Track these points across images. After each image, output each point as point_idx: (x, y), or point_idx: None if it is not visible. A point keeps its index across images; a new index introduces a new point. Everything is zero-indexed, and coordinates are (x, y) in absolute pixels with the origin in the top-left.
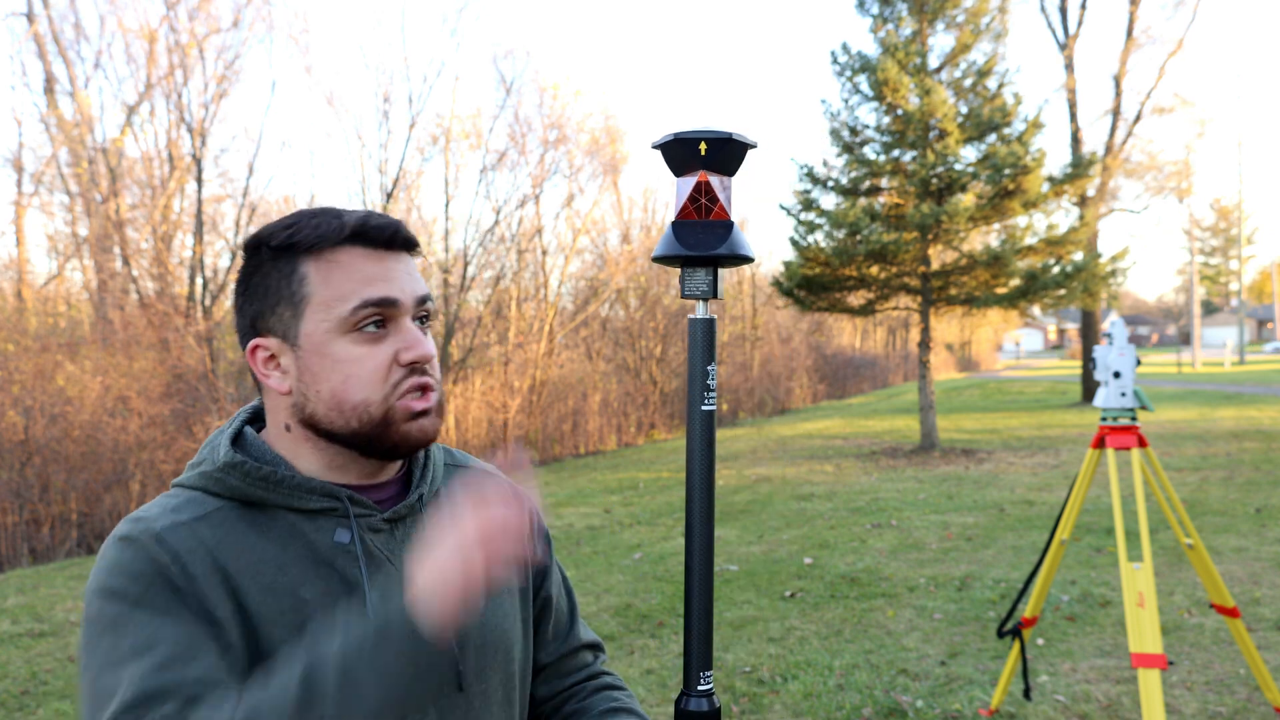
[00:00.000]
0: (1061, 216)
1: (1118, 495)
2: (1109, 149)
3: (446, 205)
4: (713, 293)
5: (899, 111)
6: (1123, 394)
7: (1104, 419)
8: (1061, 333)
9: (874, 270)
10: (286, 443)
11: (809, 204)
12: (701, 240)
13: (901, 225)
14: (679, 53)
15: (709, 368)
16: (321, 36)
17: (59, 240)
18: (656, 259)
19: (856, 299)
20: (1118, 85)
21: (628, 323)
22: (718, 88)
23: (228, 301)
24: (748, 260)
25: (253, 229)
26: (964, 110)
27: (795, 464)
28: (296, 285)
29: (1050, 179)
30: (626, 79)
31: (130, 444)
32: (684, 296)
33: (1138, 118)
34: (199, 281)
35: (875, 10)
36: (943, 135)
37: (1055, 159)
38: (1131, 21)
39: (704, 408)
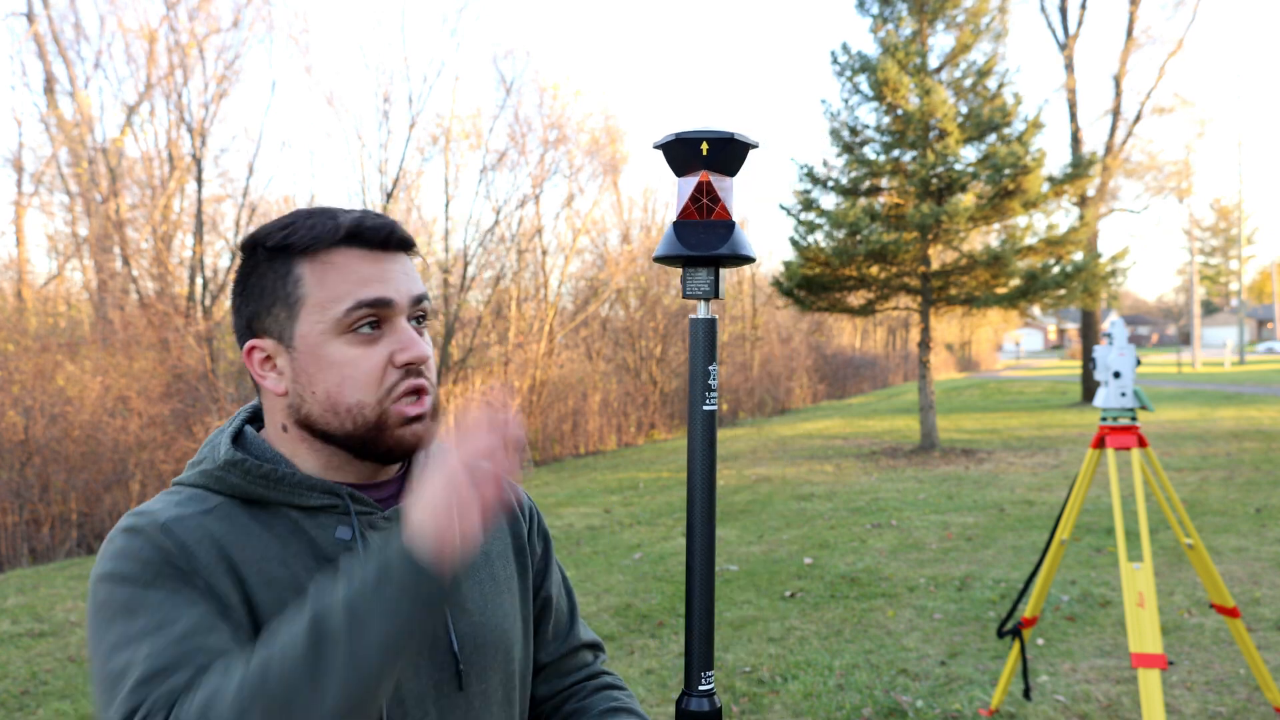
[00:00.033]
0: (1061, 216)
1: (1118, 495)
2: (1109, 149)
3: (446, 205)
4: (714, 293)
5: (899, 111)
6: (1123, 394)
7: (1104, 419)
8: (1061, 333)
9: (874, 270)
10: (285, 443)
11: (809, 204)
12: (703, 240)
13: (901, 225)
14: (679, 53)
15: (710, 367)
16: (321, 36)
17: (59, 240)
18: (658, 259)
19: (856, 299)
20: (1118, 85)
21: (628, 323)
22: (718, 88)
23: (228, 301)
24: (749, 260)
25: (252, 229)
26: (964, 110)
27: (795, 464)
28: (291, 287)
29: (1050, 179)
30: (626, 79)
31: (130, 444)
32: (686, 296)
33: (1138, 118)
34: (199, 281)
35: (875, 10)
36: (943, 135)
37: (1055, 159)
38: (1131, 21)
39: (705, 408)
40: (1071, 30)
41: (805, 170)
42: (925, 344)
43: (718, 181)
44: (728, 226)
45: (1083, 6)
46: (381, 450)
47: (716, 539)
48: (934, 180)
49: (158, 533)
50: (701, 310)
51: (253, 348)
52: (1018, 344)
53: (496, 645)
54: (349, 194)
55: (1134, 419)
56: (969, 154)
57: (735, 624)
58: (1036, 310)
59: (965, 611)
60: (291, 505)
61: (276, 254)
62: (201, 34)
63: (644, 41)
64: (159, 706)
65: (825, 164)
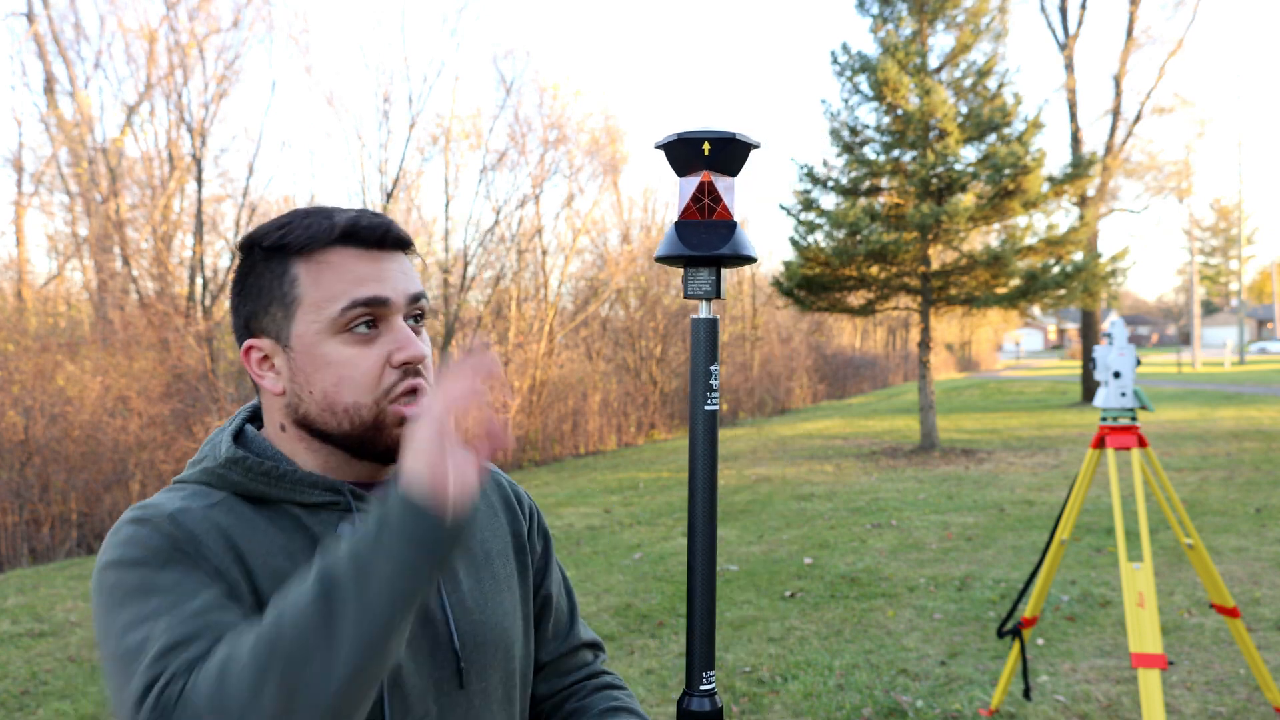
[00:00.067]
0: (1061, 216)
1: (1118, 495)
2: (1109, 149)
3: (446, 205)
4: (716, 293)
5: (899, 111)
6: (1123, 394)
7: (1104, 419)
8: (1061, 333)
9: (874, 270)
10: (284, 442)
11: (809, 204)
12: (704, 240)
13: (901, 225)
14: (679, 53)
15: (712, 367)
16: (321, 36)
17: (59, 240)
18: (659, 259)
19: (856, 299)
20: (1118, 85)
21: (628, 323)
22: (718, 87)
23: (227, 302)
24: (751, 260)
25: (251, 229)
26: (964, 110)
27: (795, 464)
28: (288, 286)
29: (1050, 179)
30: (626, 79)
31: (130, 444)
32: (687, 297)
33: (1138, 118)
34: (199, 281)
35: (875, 10)
36: (943, 135)
37: (1055, 159)
38: (1131, 21)
39: (707, 408)
40: (1071, 30)
41: (805, 170)
42: (925, 344)
43: (719, 182)
44: (729, 226)
45: (1083, 6)
46: (379, 450)
47: (717, 539)
48: (934, 180)
49: (165, 522)
50: (703, 310)
51: (250, 347)
52: (1018, 344)
53: (497, 643)
54: (349, 194)
55: (1134, 419)
56: (969, 154)
57: (735, 624)
58: (1036, 310)
59: (965, 611)
60: (293, 502)
61: (273, 254)
62: (201, 34)
63: (644, 41)
64: (180, 674)
65: (825, 164)
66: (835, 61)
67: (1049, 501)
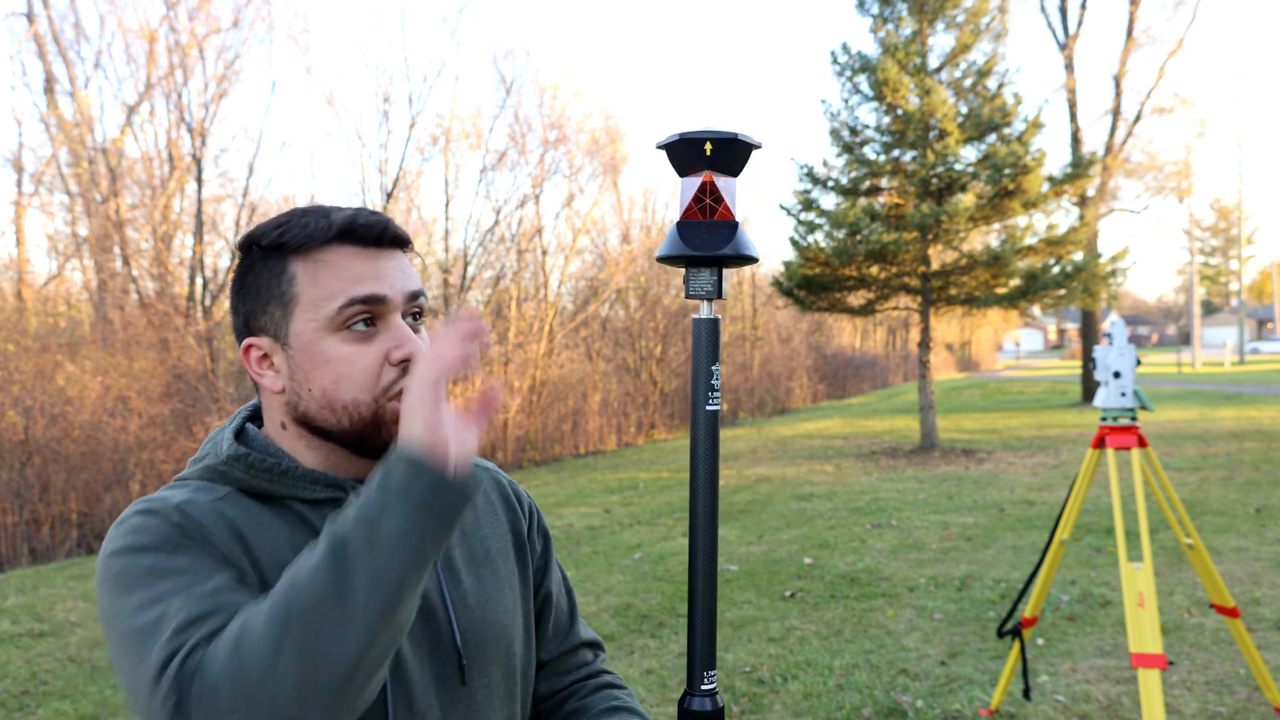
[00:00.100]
0: (1061, 216)
1: (1118, 495)
2: (1109, 149)
3: (446, 205)
4: (717, 293)
5: (899, 111)
6: (1123, 394)
7: (1104, 419)
8: (1061, 333)
9: (874, 270)
10: (284, 440)
11: (809, 204)
12: (706, 240)
13: (901, 225)
14: (679, 53)
15: (713, 367)
16: (321, 36)
17: (59, 240)
18: (661, 259)
19: (856, 299)
20: (1118, 85)
21: (628, 323)
22: (717, 87)
23: (227, 301)
24: (752, 260)
25: (250, 229)
26: (964, 110)
27: (795, 464)
28: (286, 285)
29: (1050, 179)
30: (626, 79)
31: (130, 444)
32: (688, 297)
33: (1138, 118)
34: (199, 281)
35: (875, 10)
36: (943, 135)
37: (1055, 159)
38: (1131, 21)
39: (708, 407)
40: (1071, 30)
41: (805, 170)
42: (925, 344)
43: (721, 182)
44: (731, 227)
45: (1083, 6)
46: (378, 447)
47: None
48: (934, 180)
49: (173, 512)
50: (704, 310)
51: (250, 346)
52: (1018, 344)
53: (498, 640)
54: (349, 194)
55: (1134, 419)
56: (969, 154)
57: (735, 624)
58: (1036, 310)
59: (965, 611)
60: (296, 498)
61: (271, 252)
62: (201, 34)
63: (644, 41)
64: (199, 645)
65: (825, 164)
66: (835, 61)
67: (1049, 501)
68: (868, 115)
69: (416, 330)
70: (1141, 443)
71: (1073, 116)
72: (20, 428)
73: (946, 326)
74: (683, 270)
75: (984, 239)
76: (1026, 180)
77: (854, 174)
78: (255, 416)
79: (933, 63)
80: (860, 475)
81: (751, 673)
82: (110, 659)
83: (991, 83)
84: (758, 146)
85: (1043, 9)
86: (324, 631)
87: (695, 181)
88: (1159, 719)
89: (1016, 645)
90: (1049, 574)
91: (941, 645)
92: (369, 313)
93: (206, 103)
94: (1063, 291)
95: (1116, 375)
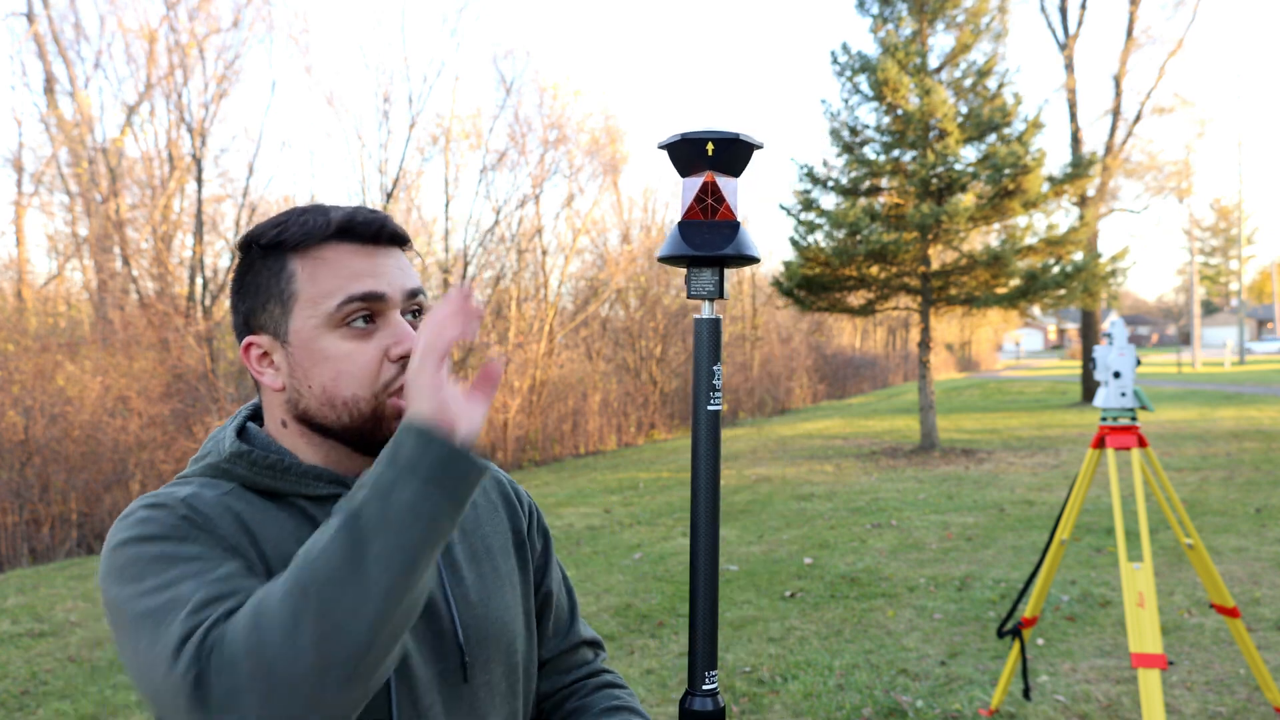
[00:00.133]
0: (1061, 216)
1: (1118, 495)
2: (1109, 149)
3: (446, 205)
4: (719, 293)
5: (899, 111)
6: (1123, 394)
7: (1104, 419)
8: (1061, 333)
9: (874, 270)
10: (285, 438)
11: (809, 204)
12: (708, 240)
13: (901, 225)
14: (679, 53)
15: (715, 367)
16: (321, 36)
17: (59, 240)
18: (663, 259)
19: (856, 299)
20: (1118, 85)
21: (628, 323)
22: (717, 87)
23: (227, 301)
24: (754, 260)
25: (250, 228)
26: (964, 110)
27: (795, 464)
28: (285, 282)
29: (1050, 179)
30: (626, 79)
31: (130, 444)
32: (690, 297)
33: (1138, 118)
34: (199, 281)
35: (875, 10)
36: (943, 135)
37: (1055, 159)
38: (1131, 21)
39: (710, 407)
40: (1071, 30)
41: (805, 170)
42: (925, 344)
43: (722, 182)
44: (732, 227)
45: (1083, 6)
46: (378, 442)
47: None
48: (934, 180)
49: (180, 505)
50: (706, 310)
51: (250, 344)
52: (1018, 344)
53: (499, 637)
54: (349, 194)
55: (1134, 419)
56: (969, 154)
57: (735, 624)
58: (1036, 310)
59: (965, 611)
60: (300, 495)
61: (270, 251)
62: (201, 34)
63: (644, 41)
64: (218, 622)
65: (825, 164)
66: (835, 61)
67: (1049, 501)
68: (868, 115)
69: (416, 328)
70: (1141, 443)
71: (1073, 116)
72: (20, 428)
73: (946, 326)
74: (683, 270)
75: (984, 239)
76: (1026, 180)
77: (854, 174)
78: (256, 416)
79: (933, 63)
80: (860, 475)
81: (751, 673)
82: (118, 646)
83: (991, 83)
84: (759, 147)
85: (1043, 9)
86: (341, 603)
87: (697, 182)
88: (1159, 719)
89: (1016, 645)
90: (1049, 574)
91: (941, 645)
92: (368, 310)
93: (206, 103)
94: (1063, 291)
95: (1116, 375)
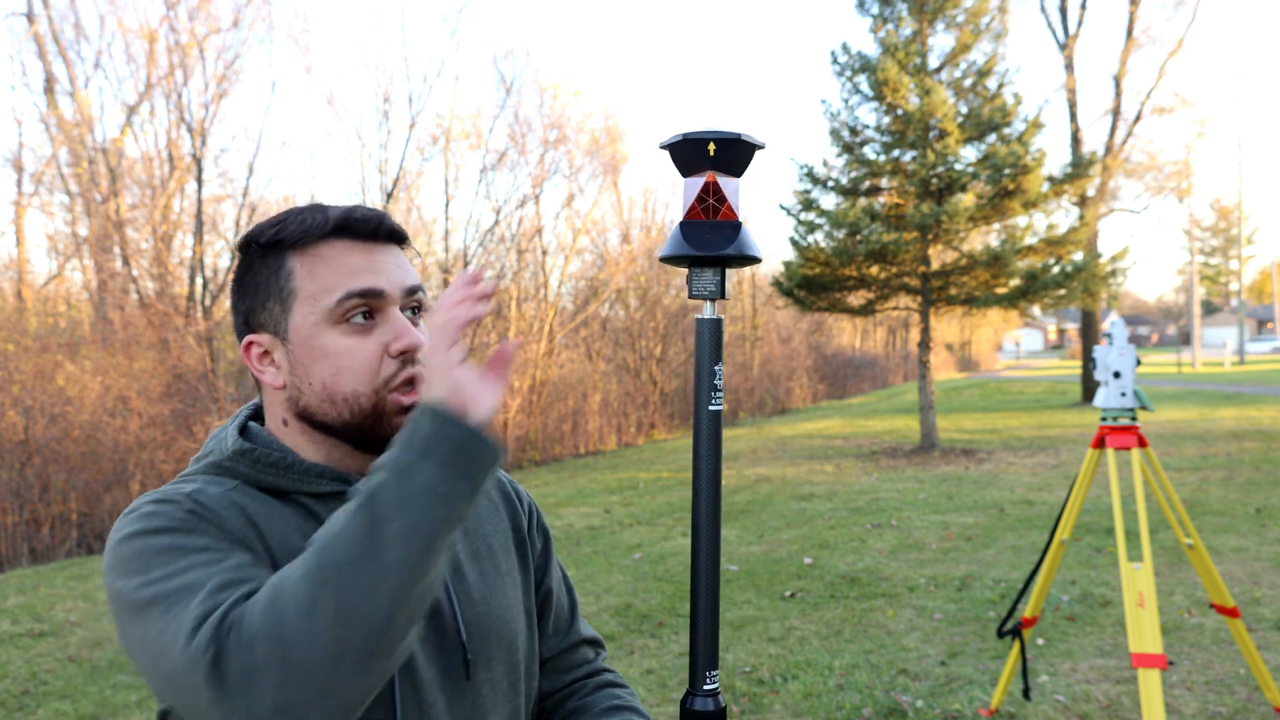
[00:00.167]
0: (1061, 216)
1: (1118, 495)
2: (1109, 149)
3: (446, 205)
4: (720, 293)
5: (899, 111)
6: (1123, 394)
7: (1104, 419)
8: (1061, 333)
9: (874, 270)
10: (287, 436)
11: (809, 204)
12: (709, 241)
13: (901, 225)
14: (679, 53)
15: (716, 367)
16: (321, 36)
17: (59, 240)
18: (664, 259)
19: (856, 299)
20: (1118, 85)
21: (628, 323)
22: (717, 87)
23: (227, 301)
24: (756, 261)
25: (249, 229)
26: (964, 110)
27: (795, 464)
28: (284, 280)
29: (1050, 179)
30: (626, 79)
31: (130, 444)
32: (692, 297)
33: (1138, 118)
34: (199, 281)
35: (875, 10)
36: (943, 135)
37: (1055, 159)
38: (1131, 21)
39: (711, 407)
40: (1071, 30)
41: (805, 170)
42: (925, 344)
43: (724, 182)
44: (734, 227)
45: (1083, 6)
46: (379, 439)
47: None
48: (934, 180)
49: (185, 499)
50: (707, 310)
51: (250, 343)
52: (1018, 344)
53: (501, 635)
54: (349, 194)
55: (1134, 419)
56: (969, 154)
57: (735, 624)
58: (1036, 310)
59: (965, 611)
60: (303, 493)
61: (269, 250)
62: (201, 34)
63: (644, 41)
64: (236, 603)
65: (825, 164)
66: (835, 61)
67: (1049, 501)
68: (868, 115)
69: (415, 325)
70: (1141, 443)
71: (1073, 116)
72: (20, 428)
73: (946, 326)
74: (683, 270)
75: (984, 239)
76: (1026, 180)
77: (854, 174)
78: (257, 415)
79: (933, 63)
80: (860, 475)
81: (751, 673)
82: (125, 637)
83: (991, 83)
84: (761, 147)
85: (1043, 9)
86: (358, 583)
87: (699, 182)
88: (1159, 719)
89: (1016, 645)
90: (1049, 574)
91: (941, 645)
92: (367, 306)
93: (206, 103)
94: (1063, 291)
95: (1116, 375)
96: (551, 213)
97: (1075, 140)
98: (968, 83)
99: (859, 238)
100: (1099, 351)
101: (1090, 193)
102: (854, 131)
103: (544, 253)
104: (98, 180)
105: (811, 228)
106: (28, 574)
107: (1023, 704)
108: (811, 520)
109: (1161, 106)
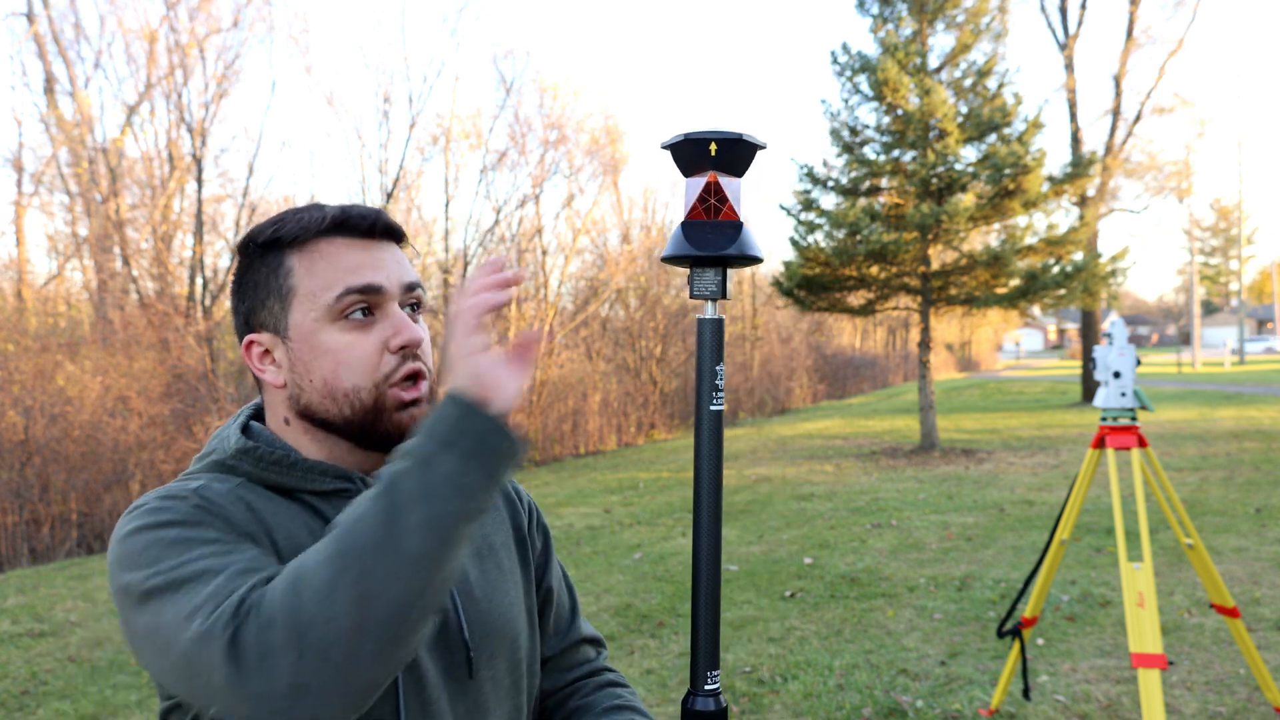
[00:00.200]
0: (1061, 216)
1: (1118, 495)
2: (1109, 149)
3: (446, 205)
4: (721, 293)
5: (899, 111)
6: (1123, 394)
7: (1104, 419)
8: (1061, 333)
9: (874, 270)
10: (288, 435)
11: (809, 204)
12: (711, 241)
13: (901, 225)
14: (679, 53)
15: (717, 367)
16: (321, 36)
17: (59, 240)
18: (666, 259)
19: (856, 299)
20: (1118, 85)
21: (628, 323)
22: (718, 87)
23: (228, 301)
24: (757, 261)
25: (248, 229)
26: (964, 110)
27: (795, 464)
28: (283, 278)
29: (1050, 179)
30: (626, 79)
31: (130, 444)
32: (693, 297)
33: (1138, 118)
34: (199, 281)
35: (875, 10)
36: (943, 135)
37: (1055, 159)
38: (1131, 21)
39: (712, 408)
40: (1071, 30)
41: (805, 170)
42: (925, 344)
43: (725, 182)
44: (735, 227)
45: (1083, 6)
46: (380, 435)
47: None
48: (934, 180)
49: (192, 495)
50: (709, 310)
51: (251, 342)
52: (1018, 344)
53: (503, 633)
54: (349, 194)
55: (1134, 419)
56: (969, 154)
57: (735, 624)
58: (1036, 310)
59: (965, 611)
60: (306, 490)
61: (268, 249)
62: (201, 34)
63: (644, 41)
64: (256, 587)
65: (825, 164)
66: (835, 61)
67: (1049, 501)
68: (868, 115)
69: (415, 321)
70: (1141, 443)
71: (1073, 116)
72: (20, 428)
73: (946, 326)
74: (684, 270)
75: (984, 239)
76: (1026, 180)
77: (854, 174)
78: (258, 415)
79: (933, 63)
80: (860, 475)
81: (751, 673)
82: (132, 628)
83: (991, 83)
84: (762, 147)
85: (1043, 9)
86: (378, 570)
87: (700, 182)
88: (1159, 719)
89: (1016, 645)
90: (1049, 574)
91: (941, 645)
92: (366, 302)
93: (206, 103)
94: (1063, 291)
95: (1116, 375)
96: (551, 213)
97: (1075, 140)
98: (968, 83)
99: (859, 238)
100: (1099, 351)
101: (1090, 193)
102: (854, 131)
103: (544, 253)
104: (98, 180)
105: (811, 228)
106: (28, 574)
107: (1023, 704)
108: (811, 520)
109: (1161, 106)
